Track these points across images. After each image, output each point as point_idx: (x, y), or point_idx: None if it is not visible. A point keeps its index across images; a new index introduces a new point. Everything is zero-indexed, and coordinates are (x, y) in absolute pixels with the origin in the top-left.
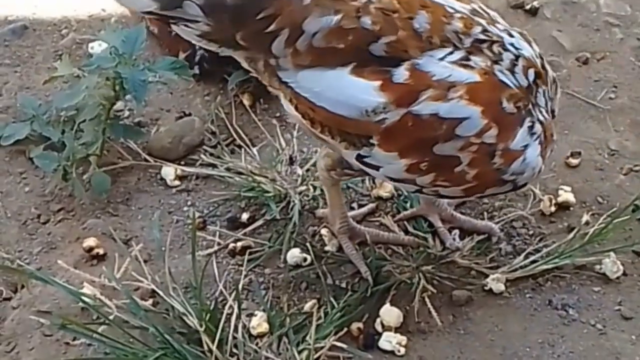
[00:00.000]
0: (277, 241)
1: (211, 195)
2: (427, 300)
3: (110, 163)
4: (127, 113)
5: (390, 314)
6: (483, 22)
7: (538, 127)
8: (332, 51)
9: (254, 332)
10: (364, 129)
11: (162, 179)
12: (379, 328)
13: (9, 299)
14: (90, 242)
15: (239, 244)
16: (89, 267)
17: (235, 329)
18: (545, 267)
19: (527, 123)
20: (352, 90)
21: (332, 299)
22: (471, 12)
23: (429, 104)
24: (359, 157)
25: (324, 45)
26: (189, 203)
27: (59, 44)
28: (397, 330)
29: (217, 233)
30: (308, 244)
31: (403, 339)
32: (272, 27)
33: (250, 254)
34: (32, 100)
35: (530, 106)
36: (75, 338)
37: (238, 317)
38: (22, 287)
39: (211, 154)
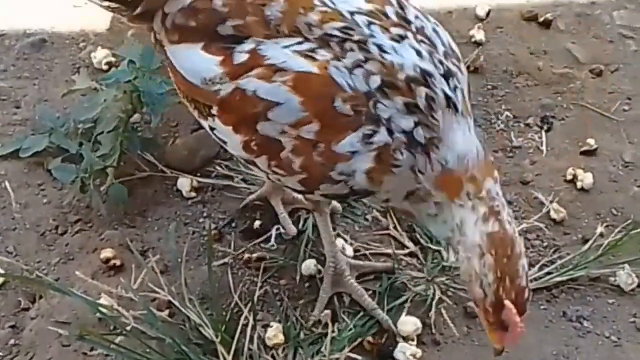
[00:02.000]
0: (292, 252)
1: (227, 206)
2: (443, 311)
3: (128, 175)
4: (144, 126)
5: (407, 323)
6: (367, 21)
7: (379, 141)
8: (189, 29)
9: (269, 343)
10: (207, 98)
11: (178, 190)
12: (395, 339)
13: (27, 310)
14: (108, 253)
15: (255, 255)
16: (106, 278)
17: (251, 340)
18: (560, 279)
19: (364, 130)
20: (200, 62)
21: (347, 310)
22: (366, 13)
23: (253, 81)
24: (211, 129)
25: (183, 23)
26: (205, 214)
27: (77, 57)
28: (414, 340)
29: (233, 244)
30: (323, 255)
31: (418, 351)
32: (141, 9)
33: (265, 265)
34: (50, 113)
35: (376, 115)
36: (93, 349)
37: (254, 328)
38: (41, 297)
39: (227, 166)
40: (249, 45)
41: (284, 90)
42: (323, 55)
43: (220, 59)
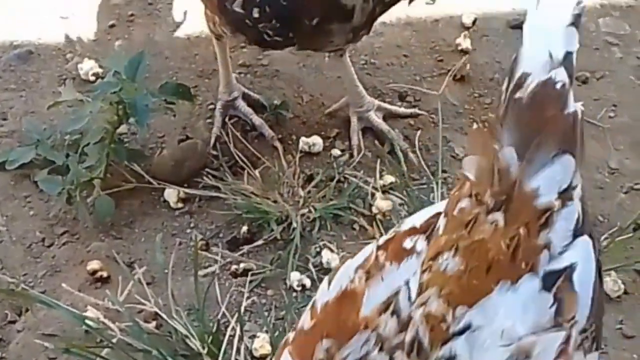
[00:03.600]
0: (278, 263)
1: (214, 217)
2: None
3: (114, 186)
4: (130, 136)
5: None
6: None
7: None
8: None
9: (256, 354)
10: None
11: (165, 201)
12: None
13: (13, 322)
14: (94, 265)
15: (241, 265)
16: (93, 290)
17: (238, 351)
18: None
19: None
20: None
21: None
22: None
23: None
24: None
25: None
26: (191, 225)
27: (64, 68)
28: None
29: (220, 254)
30: (310, 264)
31: None
32: None
33: (252, 275)
34: (37, 125)
35: None
36: None
37: (240, 339)
38: (27, 310)
39: (214, 176)
40: None
41: None
42: None
43: None
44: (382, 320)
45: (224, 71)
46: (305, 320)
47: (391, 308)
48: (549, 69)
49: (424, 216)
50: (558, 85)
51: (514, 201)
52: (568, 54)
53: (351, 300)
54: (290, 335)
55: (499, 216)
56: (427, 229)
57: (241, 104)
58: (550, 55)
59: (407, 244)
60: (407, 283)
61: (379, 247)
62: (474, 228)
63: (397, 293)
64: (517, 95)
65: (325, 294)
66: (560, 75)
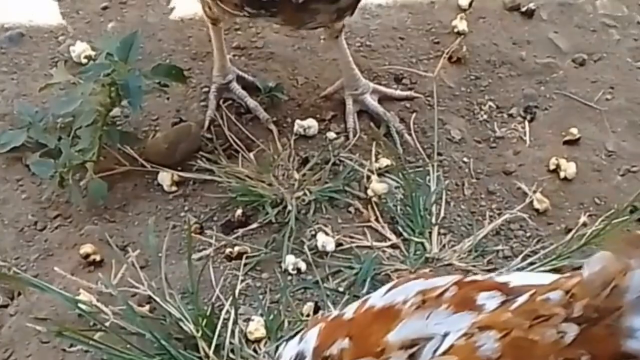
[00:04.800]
0: (273, 246)
1: (208, 200)
2: None
3: (107, 169)
4: (123, 119)
5: None
6: None
7: None
8: None
9: (251, 337)
10: None
11: (158, 184)
12: None
13: (6, 306)
14: (87, 248)
15: (236, 248)
16: (86, 274)
17: (232, 334)
18: (543, 269)
19: None
20: None
21: (329, 303)
22: None
23: None
24: None
25: None
26: (185, 208)
27: (56, 50)
28: None
29: (214, 238)
30: (306, 247)
31: None
32: None
33: (247, 258)
34: (28, 107)
35: None
36: (72, 345)
37: (235, 322)
38: (19, 294)
39: (208, 159)
40: None
41: None
42: None
43: None
44: (397, 355)
45: (219, 54)
46: (350, 310)
47: (413, 350)
48: None
49: (525, 279)
50: None
51: (600, 326)
52: None
53: (389, 318)
54: (334, 313)
55: (572, 330)
56: (510, 294)
57: (236, 86)
58: None
59: (481, 298)
60: (445, 335)
61: (457, 282)
62: (539, 325)
63: (429, 339)
64: None
65: (378, 298)
66: None
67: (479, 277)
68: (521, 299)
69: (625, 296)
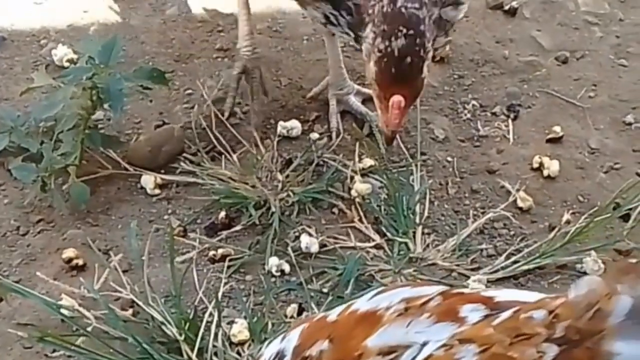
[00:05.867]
0: (257, 248)
1: (192, 202)
2: None
3: (90, 173)
4: (106, 122)
5: None
6: None
7: None
8: None
9: (234, 339)
10: None
11: (142, 187)
12: None
13: None
14: (70, 253)
15: (220, 251)
16: (69, 278)
17: (216, 337)
18: (526, 267)
19: None
20: None
21: (313, 304)
22: None
23: None
24: None
25: None
26: (169, 211)
27: (38, 54)
28: None
29: (198, 240)
30: (289, 249)
31: None
32: None
33: (230, 260)
34: (10, 112)
35: None
36: (55, 350)
37: (218, 324)
38: (1, 299)
39: (191, 162)
40: None
41: None
42: None
43: None
44: None
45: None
46: (335, 312)
47: (390, 356)
48: None
49: (511, 295)
50: None
51: (580, 349)
52: None
53: (371, 324)
54: (319, 315)
55: (552, 351)
56: (494, 309)
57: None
58: None
59: (465, 310)
60: (424, 344)
61: (442, 293)
62: (520, 343)
63: (407, 347)
64: None
65: (363, 303)
66: None
67: (465, 290)
68: (504, 315)
69: (608, 320)
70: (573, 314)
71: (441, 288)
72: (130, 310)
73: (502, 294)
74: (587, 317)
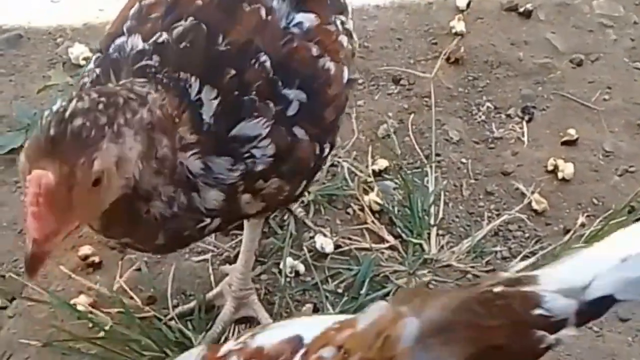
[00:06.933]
0: (272, 248)
1: None
2: None
3: None
4: None
5: None
6: None
7: None
8: None
9: None
10: None
11: None
12: None
13: (4, 308)
14: (86, 250)
15: (235, 250)
16: (85, 275)
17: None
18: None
19: None
20: None
21: (328, 305)
22: None
23: None
24: None
25: None
26: None
27: (54, 52)
28: None
29: (214, 240)
30: (305, 249)
31: None
32: None
33: None
34: (27, 109)
35: None
36: (71, 347)
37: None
38: (18, 296)
39: None
40: None
41: None
42: None
43: None
44: None
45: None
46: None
47: None
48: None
49: (276, 335)
50: (540, 312)
51: None
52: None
53: None
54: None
55: None
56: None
57: None
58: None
59: None
60: None
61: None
62: None
63: None
64: (496, 288)
65: None
66: (557, 306)
67: (228, 348)
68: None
69: (397, 346)
70: (363, 346)
71: (199, 350)
72: (146, 309)
73: (268, 337)
74: (377, 345)
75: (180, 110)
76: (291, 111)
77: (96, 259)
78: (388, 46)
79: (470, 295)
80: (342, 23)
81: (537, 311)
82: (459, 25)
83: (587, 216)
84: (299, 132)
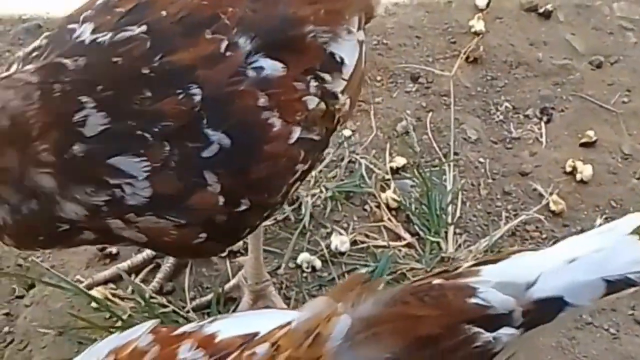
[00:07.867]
0: (289, 243)
1: None
2: None
3: None
4: None
5: None
6: None
7: None
8: None
9: None
10: None
11: None
12: None
13: (21, 297)
14: None
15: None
16: (101, 266)
17: None
18: None
19: None
20: None
21: None
22: None
23: None
24: None
25: None
26: None
27: None
28: None
29: None
30: (322, 244)
31: None
32: None
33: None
34: None
35: None
36: (88, 336)
37: None
38: (35, 285)
39: None
40: None
41: None
42: None
43: None
44: None
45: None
46: None
47: None
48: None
49: (238, 327)
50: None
51: None
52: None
53: None
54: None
55: None
56: (215, 353)
57: None
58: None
59: (183, 352)
60: None
61: (153, 331)
62: None
63: None
64: (435, 280)
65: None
66: (493, 298)
67: (184, 329)
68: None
69: (326, 345)
70: (293, 343)
71: (149, 325)
72: (163, 299)
73: (227, 327)
74: (307, 344)
75: (48, 128)
76: (207, 153)
77: (113, 250)
78: (407, 44)
79: (405, 288)
80: (321, 82)
81: (472, 300)
82: (478, 25)
83: (605, 218)
84: (209, 177)
